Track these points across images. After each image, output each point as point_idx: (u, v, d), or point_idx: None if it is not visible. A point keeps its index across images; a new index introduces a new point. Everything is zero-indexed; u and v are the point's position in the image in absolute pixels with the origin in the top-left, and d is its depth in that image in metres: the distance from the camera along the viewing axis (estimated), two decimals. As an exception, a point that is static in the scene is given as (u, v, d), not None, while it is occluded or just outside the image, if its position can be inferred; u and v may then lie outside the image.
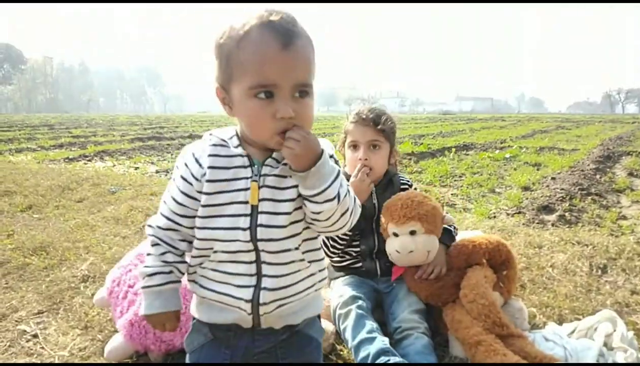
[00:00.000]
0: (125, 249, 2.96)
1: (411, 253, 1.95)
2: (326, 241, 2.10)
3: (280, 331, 1.29)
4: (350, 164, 2.15)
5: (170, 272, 1.27)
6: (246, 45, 1.08)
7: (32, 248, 3.04)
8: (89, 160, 8.25)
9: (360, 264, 2.14)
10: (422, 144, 10.29)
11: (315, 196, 1.13)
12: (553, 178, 6.18)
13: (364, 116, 2.14)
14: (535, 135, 15.27)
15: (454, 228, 2.16)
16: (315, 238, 1.28)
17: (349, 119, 2.19)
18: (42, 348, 1.93)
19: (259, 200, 1.19)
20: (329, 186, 1.13)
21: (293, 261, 1.22)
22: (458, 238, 2.24)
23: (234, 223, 1.19)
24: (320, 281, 1.31)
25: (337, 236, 2.07)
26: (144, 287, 1.27)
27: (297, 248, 1.22)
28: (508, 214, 4.31)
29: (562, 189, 5.24)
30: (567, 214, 4.21)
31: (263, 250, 1.20)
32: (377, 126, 2.13)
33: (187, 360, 1.35)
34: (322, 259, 1.31)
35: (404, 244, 1.95)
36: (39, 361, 1.84)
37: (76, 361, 1.84)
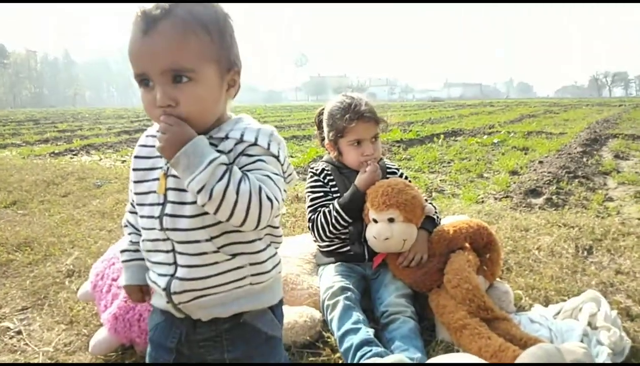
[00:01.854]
0: (110, 243, 2.93)
1: (387, 240, 1.95)
2: (320, 227, 2.08)
3: (222, 321, 1.26)
4: (355, 161, 2.14)
5: (136, 250, 1.34)
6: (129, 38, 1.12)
7: (16, 244, 3.00)
8: (75, 154, 8.16)
9: (348, 248, 2.13)
10: (410, 131, 10.29)
11: (187, 187, 1.10)
12: (540, 162, 6.22)
13: (365, 113, 2.12)
14: (523, 120, 15.35)
15: (437, 216, 2.16)
16: (238, 231, 1.20)
17: (339, 114, 2.13)
18: (26, 344, 1.90)
19: (166, 189, 1.19)
20: (193, 178, 1.08)
21: (205, 253, 1.18)
22: (444, 222, 2.25)
23: (151, 212, 1.21)
24: (256, 274, 1.25)
25: (337, 222, 2.05)
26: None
27: (209, 240, 1.18)
28: (496, 199, 4.33)
29: (550, 172, 5.27)
30: (554, 197, 4.24)
31: (173, 240, 1.19)
32: (376, 119, 2.15)
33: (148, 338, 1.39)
34: (259, 252, 1.25)
35: (380, 231, 1.95)
36: (22, 359, 1.82)
37: (61, 356, 1.82)
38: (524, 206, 3.94)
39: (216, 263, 1.20)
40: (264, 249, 1.27)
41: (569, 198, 4.24)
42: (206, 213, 1.14)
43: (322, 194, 2.15)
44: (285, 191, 1.27)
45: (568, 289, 2.21)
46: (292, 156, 7.45)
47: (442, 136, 9.47)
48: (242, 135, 1.20)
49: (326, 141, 2.20)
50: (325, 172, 2.18)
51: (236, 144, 1.19)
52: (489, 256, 2.09)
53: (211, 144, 1.19)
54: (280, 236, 1.36)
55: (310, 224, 2.13)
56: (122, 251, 1.37)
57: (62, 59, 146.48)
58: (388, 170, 2.25)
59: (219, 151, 1.18)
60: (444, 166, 6.19)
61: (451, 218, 2.72)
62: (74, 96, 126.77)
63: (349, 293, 1.87)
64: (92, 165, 6.57)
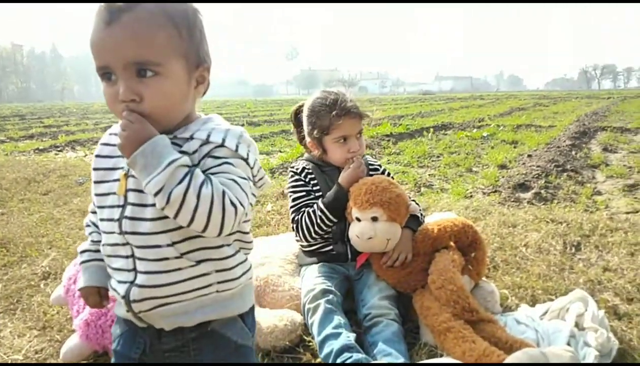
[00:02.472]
0: (89, 243, 2.85)
1: (370, 240, 1.90)
2: (305, 228, 2.02)
3: (187, 330, 1.19)
4: (341, 158, 2.08)
5: (97, 251, 1.26)
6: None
7: (-9, 244, 2.91)
8: (60, 150, 8.01)
9: (330, 247, 2.07)
10: (400, 124, 10.24)
11: (145, 188, 1.04)
12: (529, 156, 6.20)
13: (351, 109, 2.05)
14: (513, 113, 15.36)
15: (422, 215, 2.11)
16: (203, 236, 1.13)
17: (323, 110, 2.05)
18: (-5, 351, 1.83)
19: (127, 191, 1.12)
20: (150, 180, 1.01)
21: (167, 259, 1.11)
22: (429, 220, 2.20)
23: (111, 215, 1.14)
24: (223, 281, 1.19)
25: (322, 222, 1.99)
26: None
27: (170, 245, 1.11)
28: (484, 193, 4.29)
29: (538, 166, 5.25)
30: (542, 191, 4.21)
31: (132, 244, 1.12)
32: (361, 114, 2.09)
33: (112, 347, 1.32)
34: (226, 258, 1.19)
35: (363, 230, 1.90)
36: (-10, 366, 1.75)
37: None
38: (513, 201, 3.90)
39: (179, 269, 1.13)
40: (232, 256, 1.20)
41: (558, 192, 4.22)
42: (168, 217, 1.06)
43: (304, 193, 2.08)
44: (254, 195, 1.21)
45: (555, 288, 2.17)
46: (280, 151, 7.37)
47: (431, 129, 9.43)
48: (208, 136, 1.13)
49: (308, 139, 2.12)
50: (306, 170, 2.11)
51: (202, 145, 1.12)
52: (474, 254, 2.04)
53: (175, 144, 1.13)
54: (251, 241, 1.30)
55: (295, 225, 2.06)
56: (82, 252, 1.31)
57: (49, 53, 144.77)
58: (370, 167, 2.18)
59: (182, 152, 1.11)
60: (433, 160, 6.15)
61: (438, 214, 2.67)
62: (62, 90, 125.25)
63: (331, 296, 1.81)
64: (76, 162, 6.44)
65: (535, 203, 3.83)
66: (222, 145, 1.12)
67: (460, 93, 67.52)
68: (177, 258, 1.12)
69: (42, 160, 6.49)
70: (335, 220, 1.99)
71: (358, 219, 1.94)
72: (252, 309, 1.32)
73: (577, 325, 1.81)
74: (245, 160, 1.15)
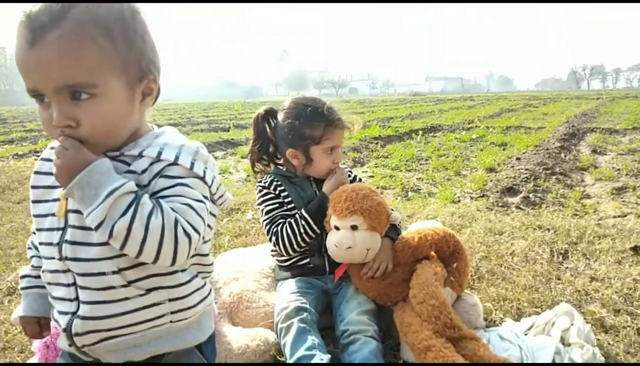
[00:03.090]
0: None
1: (349, 249, 1.81)
2: (287, 240, 1.91)
3: (138, 364, 1.10)
4: (326, 168, 2.00)
5: (38, 276, 1.16)
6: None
7: (-42, 257, 2.78)
8: (39, 156, 7.82)
9: (307, 260, 1.98)
10: (389, 127, 10.18)
11: (85, 221, 0.95)
12: (518, 158, 6.15)
13: (341, 119, 1.99)
14: (502, 114, 15.37)
15: (400, 224, 2.02)
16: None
17: (314, 119, 1.93)
18: (-51, 376, 1.72)
19: (67, 212, 1.03)
20: (89, 213, 0.93)
21: (113, 287, 1.02)
22: (412, 228, 2.12)
23: (50, 238, 1.05)
24: (178, 311, 1.10)
25: (305, 233, 1.89)
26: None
27: (117, 272, 1.02)
28: (472, 198, 4.22)
29: (527, 169, 5.20)
30: (531, 195, 4.15)
31: (74, 271, 1.03)
32: (345, 124, 2.02)
33: None
34: (181, 285, 1.10)
35: (342, 239, 1.81)
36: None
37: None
38: (500, 206, 3.84)
39: (126, 299, 1.03)
40: (188, 282, 1.10)
41: (546, 196, 4.16)
42: None
43: (277, 205, 1.98)
44: (214, 215, 1.11)
45: (542, 300, 2.09)
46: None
47: (420, 132, 9.37)
48: (159, 153, 1.03)
49: (289, 150, 2.00)
50: (275, 183, 2.01)
51: (152, 163, 1.03)
52: (456, 265, 1.96)
53: (122, 162, 1.03)
54: (211, 264, 1.20)
55: (274, 237, 1.93)
56: (22, 277, 1.22)
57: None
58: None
59: (130, 172, 1.01)
60: (421, 164, 6.08)
61: (422, 222, 2.59)
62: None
63: (305, 314, 1.71)
64: (58, 167, 6.27)
65: (523, 208, 3.77)
66: (175, 163, 1.02)
67: (451, 94, 67.74)
68: (124, 286, 1.03)
69: (19, 166, 6.32)
70: (319, 231, 1.90)
71: (337, 228, 1.85)
72: (211, 337, 1.23)
73: (562, 340, 1.74)
74: (202, 179, 1.05)
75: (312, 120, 1.94)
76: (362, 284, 1.89)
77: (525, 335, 1.82)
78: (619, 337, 1.84)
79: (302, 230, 1.88)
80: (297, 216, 1.91)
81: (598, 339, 1.80)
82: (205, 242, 1.16)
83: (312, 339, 1.62)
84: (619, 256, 2.56)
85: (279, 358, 1.70)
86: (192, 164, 1.04)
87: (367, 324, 1.74)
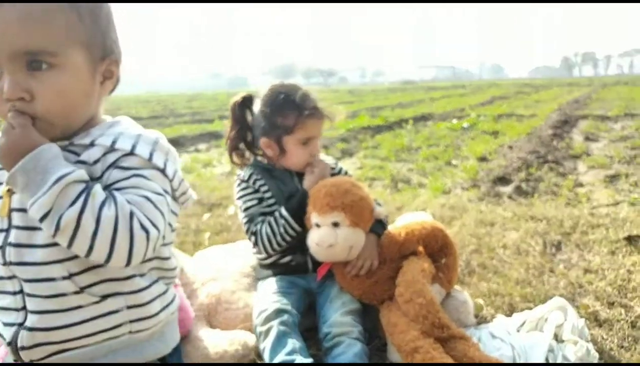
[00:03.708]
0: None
1: (330, 247, 1.71)
2: (267, 239, 1.81)
3: None
4: (301, 161, 1.88)
5: None
6: None
7: None
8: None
9: (289, 258, 1.88)
10: (379, 116, 10.07)
11: (29, 212, 0.86)
12: (510, 147, 6.08)
13: (318, 108, 1.85)
14: (494, 102, 15.32)
15: (386, 218, 1.93)
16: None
17: (287, 107, 1.82)
18: None
19: (10, 211, 0.93)
20: (34, 202, 0.83)
21: (64, 295, 0.92)
22: (400, 222, 2.04)
23: None
24: (138, 320, 1.00)
25: (286, 232, 1.78)
26: None
27: (67, 277, 0.92)
28: (463, 188, 4.15)
29: (519, 158, 5.13)
30: (523, 184, 4.09)
31: (20, 277, 0.93)
32: (328, 116, 1.89)
33: None
34: (140, 291, 1.00)
35: (323, 237, 1.71)
36: None
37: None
38: (492, 196, 3.76)
39: (79, 307, 0.94)
40: (148, 288, 1.01)
41: (539, 185, 4.10)
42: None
43: (256, 201, 1.88)
44: (175, 213, 1.01)
45: (534, 294, 2.02)
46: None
47: (411, 121, 9.27)
48: (114, 142, 0.93)
49: (263, 138, 1.90)
50: (255, 177, 1.91)
51: (105, 153, 0.93)
52: (445, 261, 1.87)
53: (71, 152, 0.93)
54: (174, 268, 1.10)
55: (253, 237, 1.83)
56: None
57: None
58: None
59: (79, 162, 0.92)
60: (411, 154, 6.00)
61: (410, 215, 2.50)
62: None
63: (285, 316, 1.62)
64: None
65: (516, 198, 3.70)
66: (131, 153, 0.93)
67: (443, 82, 67.67)
68: (76, 293, 0.93)
69: None
70: (300, 229, 1.80)
71: (317, 226, 1.75)
72: (176, 350, 1.13)
73: (556, 336, 1.67)
74: (162, 171, 0.96)
75: (284, 108, 1.83)
76: (347, 283, 1.80)
77: (518, 331, 1.75)
78: (612, 331, 1.77)
79: (281, 230, 1.78)
80: (276, 214, 1.81)
81: (592, 333, 1.74)
82: (165, 244, 1.06)
83: (293, 342, 1.53)
84: (613, 246, 2.49)
85: (259, 362, 1.62)
86: (151, 154, 0.95)
87: (351, 325, 1.65)
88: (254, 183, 1.89)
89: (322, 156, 2.05)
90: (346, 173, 2.01)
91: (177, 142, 7.54)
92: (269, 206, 1.87)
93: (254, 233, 1.83)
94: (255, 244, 1.84)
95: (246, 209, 1.87)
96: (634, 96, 15.29)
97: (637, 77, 48.28)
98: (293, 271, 1.88)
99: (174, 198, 1.03)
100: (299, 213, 1.78)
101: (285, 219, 1.78)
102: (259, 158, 1.99)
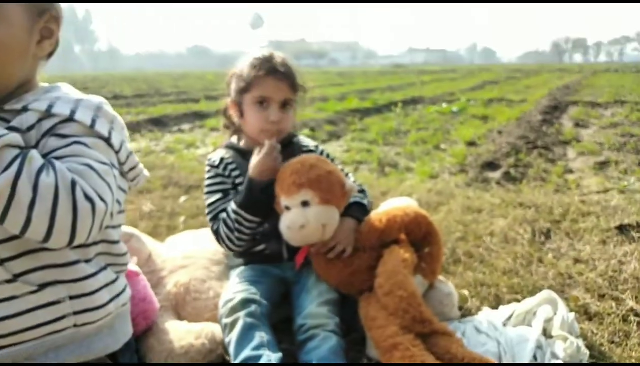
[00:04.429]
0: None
1: (302, 228, 1.57)
2: (226, 238, 1.68)
3: None
4: (256, 126, 1.73)
5: None
6: None
7: None
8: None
9: (263, 246, 1.76)
10: (368, 99, 9.92)
11: None
12: (499, 132, 5.99)
13: (279, 68, 1.71)
14: (485, 86, 15.23)
15: (368, 201, 1.81)
16: (49, 249, 0.83)
17: (249, 65, 1.72)
18: None
19: None
20: None
21: None
22: (383, 208, 1.91)
23: None
24: (83, 311, 0.89)
25: (241, 226, 1.65)
26: None
27: (0, 264, 0.81)
28: (451, 173, 4.05)
29: (508, 143, 5.05)
30: (511, 170, 4.01)
31: None
32: (293, 82, 1.74)
33: None
34: (84, 278, 0.89)
35: (294, 219, 1.57)
36: None
37: None
38: (480, 182, 3.67)
39: (13, 297, 0.83)
40: (94, 275, 0.89)
41: (528, 171, 4.01)
42: None
43: (220, 195, 1.73)
44: (123, 190, 0.89)
45: (522, 285, 1.93)
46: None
47: (400, 104, 9.13)
48: (50, 106, 0.82)
49: (229, 100, 1.80)
50: (225, 161, 1.77)
51: (41, 119, 0.82)
52: (428, 250, 1.75)
53: (1, 118, 0.81)
54: (124, 254, 0.98)
55: (215, 236, 1.72)
56: None
57: None
58: (304, 149, 1.85)
59: (11, 129, 0.79)
60: (400, 137, 5.88)
61: (394, 200, 2.38)
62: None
63: (253, 307, 1.49)
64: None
65: (504, 183, 3.61)
66: (70, 119, 0.82)
67: (433, 65, 67.45)
68: (9, 281, 0.82)
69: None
70: (256, 219, 1.65)
71: (288, 208, 1.62)
72: (128, 345, 1.01)
73: (544, 331, 1.57)
74: (107, 140, 0.84)
75: (247, 66, 1.73)
76: (324, 271, 1.69)
77: (504, 325, 1.65)
78: (603, 325, 1.69)
79: (236, 225, 1.64)
80: (228, 209, 1.67)
81: (581, 327, 1.66)
82: (114, 227, 0.93)
83: (261, 335, 1.41)
84: (604, 235, 2.41)
85: (227, 358, 1.50)
86: (93, 121, 0.84)
87: (327, 317, 1.54)
88: (224, 168, 1.76)
89: (303, 137, 1.92)
90: (328, 156, 1.87)
91: (160, 122, 7.35)
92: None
93: (215, 232, 1.71)
94: (219, 243, 1.72)
95: (210, 204, 1.74)
96: (624, 83, 15.29)
97: (627, 65, 48.47)
98: (267, 260, 1.75)
99: (122, 174, 0.91)
100: (248, 201, 1.63)
101: (236, 213, 1.64)
102: (233, 139, 1.86)
